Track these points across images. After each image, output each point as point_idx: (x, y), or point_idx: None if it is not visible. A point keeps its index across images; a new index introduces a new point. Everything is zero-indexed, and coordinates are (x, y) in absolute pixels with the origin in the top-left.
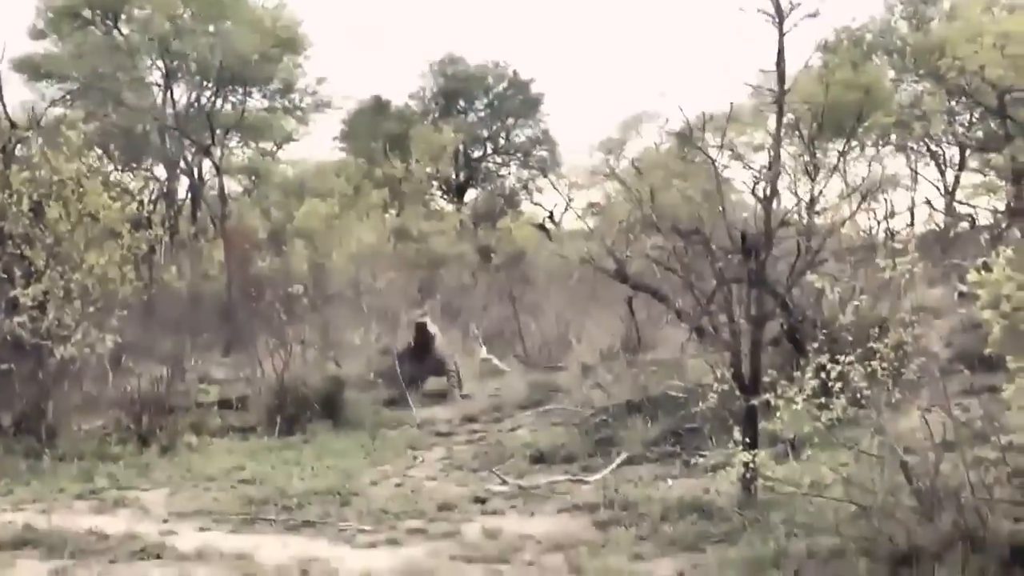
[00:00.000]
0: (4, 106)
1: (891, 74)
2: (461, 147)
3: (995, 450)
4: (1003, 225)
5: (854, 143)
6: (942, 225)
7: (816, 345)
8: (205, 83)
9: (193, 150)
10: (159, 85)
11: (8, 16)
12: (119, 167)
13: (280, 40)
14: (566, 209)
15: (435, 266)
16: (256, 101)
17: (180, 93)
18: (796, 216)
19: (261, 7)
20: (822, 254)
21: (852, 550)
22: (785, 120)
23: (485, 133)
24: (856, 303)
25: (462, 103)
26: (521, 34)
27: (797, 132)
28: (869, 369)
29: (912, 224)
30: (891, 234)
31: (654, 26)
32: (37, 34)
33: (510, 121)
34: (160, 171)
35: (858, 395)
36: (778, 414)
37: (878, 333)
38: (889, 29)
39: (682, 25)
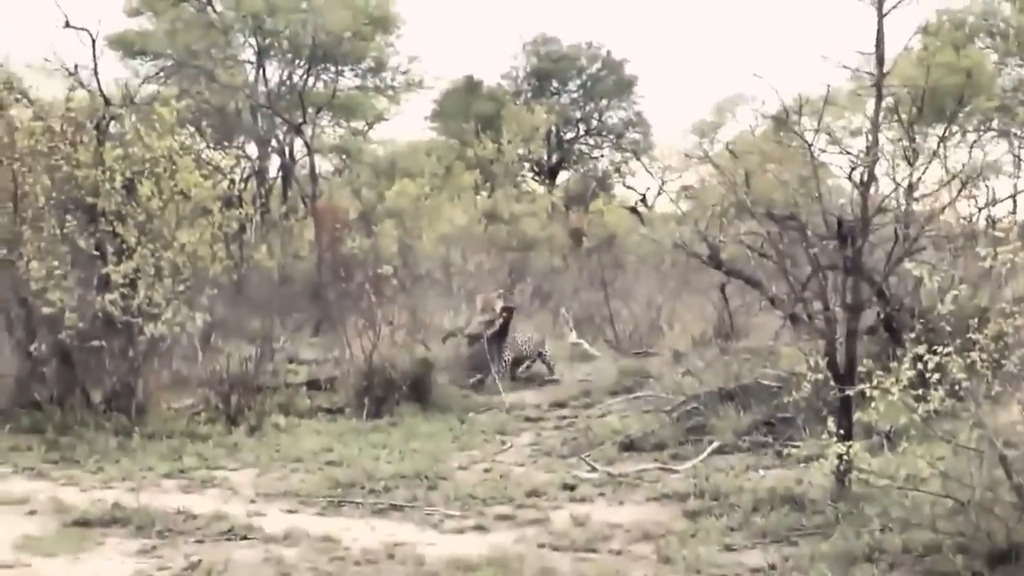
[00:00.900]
0: (99, 83)
1: (994, 57)
2: (553, 128)
3: None
4: None
5: (955, 128)
6: None
7: (913, 335)
8: (297, 61)
9: (284, 129)
10: (251, 63)
11: None
12: (211, 145)
13: (372, 18)
14: (659, 192)
15: (526, 249)
16: (348, 80)
17: (272, 71)
18: (894, 202)
19: None
20: (920, 242)
21: (948, 546)
22: (884, 104)
23: (578, 114)
24: (955, 292)
25: (555, 84)
26: (615, 14)
27: (896, 116)
28: (968, 360)
29: (1014, 211)
30: (992, 222)
31: (750, 6)
32: (132, 11)
33: (603, 103)
34: (252, 150)
35: (956, 387)
36: (873, 405)
37: (978, 323)
38: (992, 11)
39: (779, 5)
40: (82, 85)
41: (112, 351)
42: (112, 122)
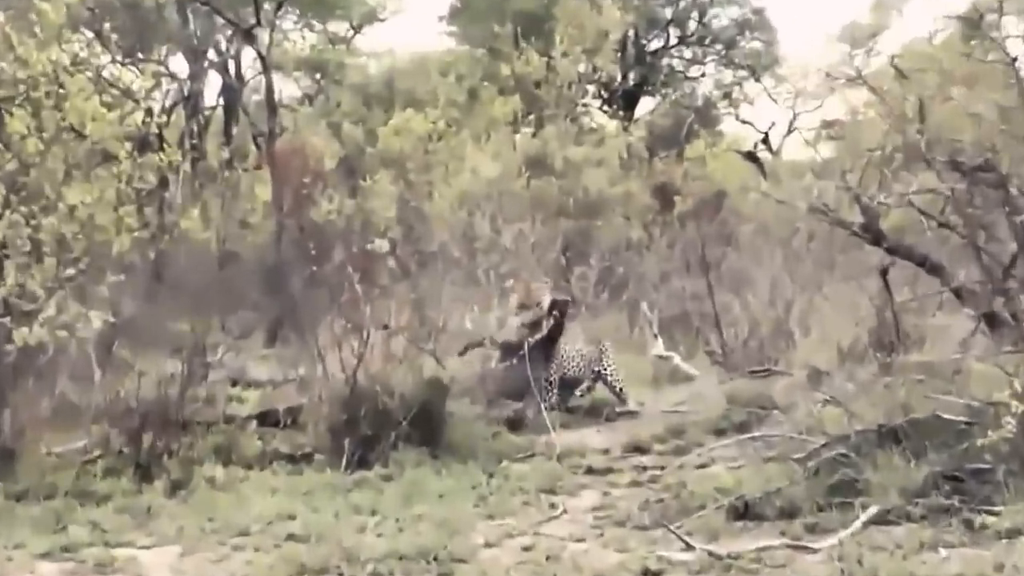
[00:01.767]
0: None
1: None
2: (631, 34)
3: None
4: None
5: None
6: None
7: None
8: None
9: (229, 33)
10: None
11: None
12: (117, 58)
13: None
14: (789, 131)
15: (589, 214)
16: None
17: None
18: None
19: None
20: None
21: None
22: None
23: (668, 14)
24: None
25: None
26: None
27: None
28: None
29: None
30: None
31: None
32: None
33: None
34: (179, 64)
35: None
36: None
37: None
38: None
39: None
40: None
41: None
42: None
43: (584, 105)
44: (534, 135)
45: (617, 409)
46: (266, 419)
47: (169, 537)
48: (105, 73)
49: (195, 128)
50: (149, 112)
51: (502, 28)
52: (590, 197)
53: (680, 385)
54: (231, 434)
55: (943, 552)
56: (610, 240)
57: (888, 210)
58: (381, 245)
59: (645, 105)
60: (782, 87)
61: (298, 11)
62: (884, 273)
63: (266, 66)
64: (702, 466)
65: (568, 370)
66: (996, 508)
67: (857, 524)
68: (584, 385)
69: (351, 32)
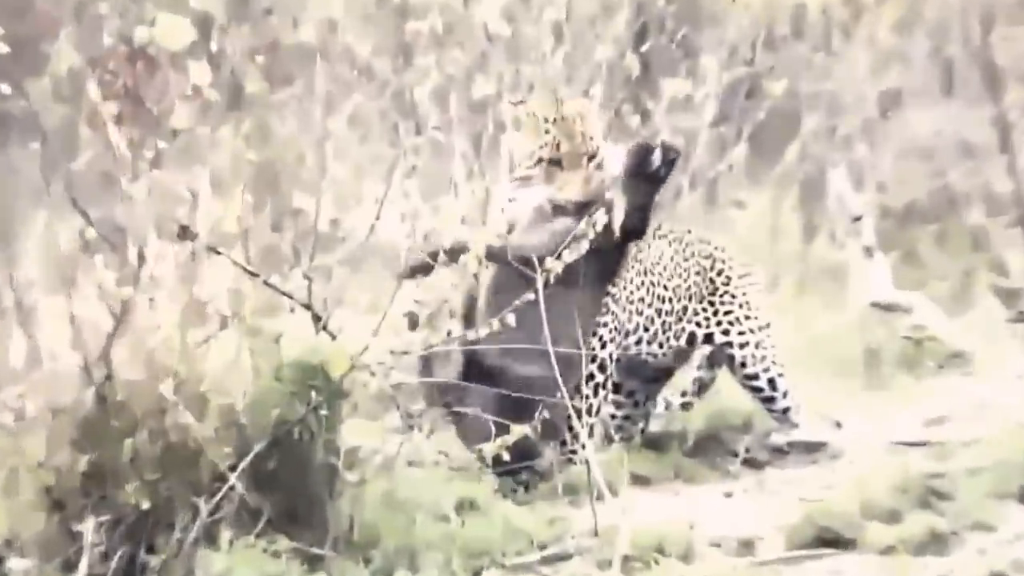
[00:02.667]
0: None
1: None
2: None
3: None
4: None
5: None
6: None
7: None
8: None
9: None
10: None
11: None
12: None
13: None
14: None
15: None
16: None
17: None
18: None
19: None
20: None
21: None
22: None
23: None
24: None
25: None
26: None
27: None
28: None
29: None
30: None
31: None
32: None
33: None
34: None
35: None
36: None
37: None
38: None
39: None
40: None
41: None
42: None
43: None
44: None
45: (774, 438)
46: None
47: None
48: None
49: None
50: None
51: None
52: None
53: (934, 375)
54: None
55: None
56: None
57: None
58: (173, 31)
59: None
60: None
61: None
62: None
63: None
64: None
65: (635, 336)
66: None
67: None
68: (690, 379)
69: None
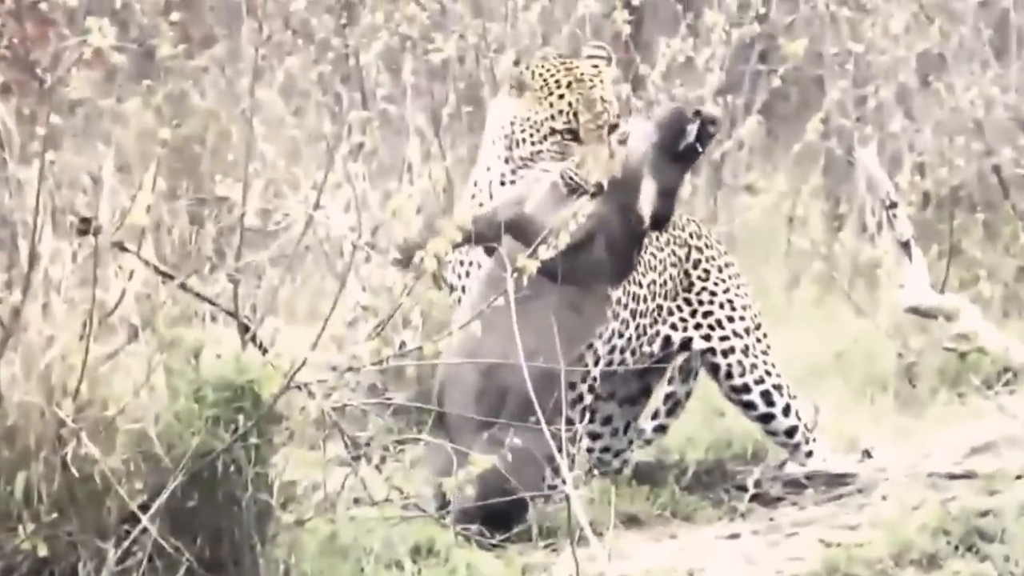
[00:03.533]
0: None
1: None
2: None
3: None
4: None
5: None
6: None
7: None
8: None
9: None
10: None
11: None
12: None
13: None
14: None
15: None
16: None
17: None
18: None
19: None
20: None
21: None
22: None
23: None
24: None
25: None
26: None
27: None
28: None
29: None
30: None
31: None
32: None
33: None
34: None
35: None
36: None
37: None
38: None
39: None
40: None
41: None
42: None
43: None
44: None
45: (789, 469)
46: None
47: None
48: None
49: None
50: None
51: None
52: None
53: (981, 395)
54: None
55: None
56: None
57: None
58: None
59: None
60: None
61: None
62: None
63: None
64: None
65: (608, 344)
66: None
67: None
68: (660, 396)
69: None
